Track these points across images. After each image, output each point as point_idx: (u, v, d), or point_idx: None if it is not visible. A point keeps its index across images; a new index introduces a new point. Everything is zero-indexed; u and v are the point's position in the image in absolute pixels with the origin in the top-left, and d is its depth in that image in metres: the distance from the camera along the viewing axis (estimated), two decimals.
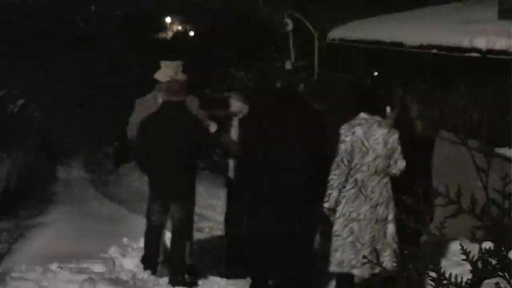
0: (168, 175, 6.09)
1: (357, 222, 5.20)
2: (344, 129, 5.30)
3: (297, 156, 5.43)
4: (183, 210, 6.17)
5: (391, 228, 5.24)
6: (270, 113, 5.64)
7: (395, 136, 5.25)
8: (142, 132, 6.18)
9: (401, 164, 5.29)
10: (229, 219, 6.82)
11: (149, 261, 6.40)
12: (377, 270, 5.03)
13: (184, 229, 6.24)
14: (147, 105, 6.43)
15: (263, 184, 5.50)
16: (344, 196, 5.26)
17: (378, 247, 5.16)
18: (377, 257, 2.95)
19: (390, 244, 5.21)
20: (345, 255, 5.22)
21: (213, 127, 6.43)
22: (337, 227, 5.27)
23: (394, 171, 5.29)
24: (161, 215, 6.31)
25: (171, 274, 6.20)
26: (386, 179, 5.26)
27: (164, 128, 6.05)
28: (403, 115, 5.77)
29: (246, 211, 5.91)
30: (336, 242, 5.26)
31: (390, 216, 5.22)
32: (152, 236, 6.39)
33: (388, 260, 5.06)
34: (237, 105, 6.50)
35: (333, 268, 5.28)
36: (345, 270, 5.25)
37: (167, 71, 6.47)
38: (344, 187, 5.27)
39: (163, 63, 6.55)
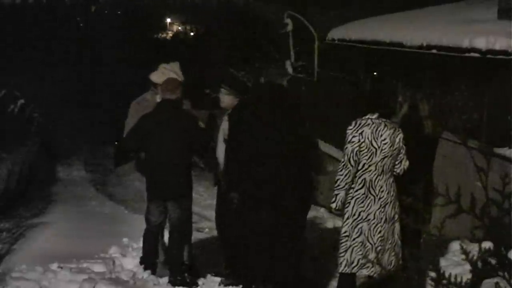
0: (164, 174, 6.09)
1: (366, 222, 5.20)
2: (351, 130, 5.28)
3: (286, 151, 5.43)
4: (179, 209, 6.17)
5: (397, 227, 5.27)
6: (257, 110, 5.61)
7: (400, 136, 5.29)
8: (137, 132, 6.19)
9: (405, 163, 5.34)
10: (219, 220, 6.79)
11: (148, 262, 6.39)
12: (388, 268, 5.06)
13: (181, 228, 6.23)
14: (145, 105, 6.42)
15: (252, 184, 5.47)
16: (353, 197, 5.26)
17: (387, 246, 5.19)
18: (377, 257, 2.94)
19: (398, 243, 5.24)
20: (354, 255, 5.22)
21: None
22: (346, 228, 5.27)
23: (398, 171, 5.33)
24: (159, 215, 6.31)
25: (171, 274, 6.20)
26: (392, 178, 5.30)
27: (160, 127, 6.05)
28: (412, 115, 5.79)
29: (235, 212, 5.87)
30: (345, 243, 5.27)
31: (397, 215, 5.25)
32: (151, 236, 6.39)
33: (396, 258, 5.11)
34: (226, 99, 6.41)
35: (343, 269, 5.27)
36: (354, 270, 5.26)
37: (165, 73, 6.49)
38: (351, 187, 5.28)
39: (161, 66, 6.59)
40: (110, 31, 24.37)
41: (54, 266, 6.50)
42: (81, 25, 26.15)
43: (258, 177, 5.47)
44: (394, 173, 5.33)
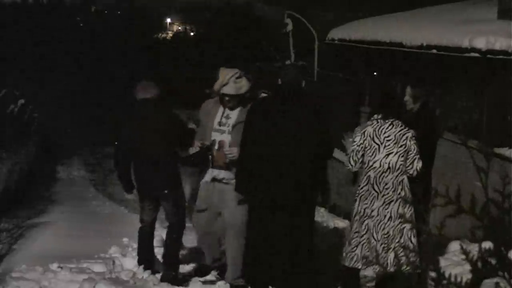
0: (149, 172, 6.11)
1: (370, 219, 5.26)
2: (356, 130, 5.47)
3: (298, 154, 5.30)
4: (171, 205, 6.16)
5: (408, 227, 5.22)
6: (271, 111, 5.45)
7: (408, 134, 5.26)
8: (124, 133, 6.27)
9: (418, 164, 5.27)
10: None
11: (144, 259, 6.37)
12: (392, 269, 5.05)
13: (176, 224, 6.22)
14: (207, 109, 6.24)
15: (261, 186, 5.37)
16: (359, 194, 5.35)
17: (393, 245, 5.19)
18: (376, 255, 2.94)
19: (407, 244, 5.19)
20: (364, 252, 5.29)
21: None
22: (355, 224, 5.36)
23: (411, 172, 5.27)
24: (152, 213, 6.31)
25: (165, 269, 6.17)
26: (402, 177, 5.26)
27: (139, 126, 6.10)
28: (411, 115, 5.78)
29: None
30: (355, 239, 5.34)
31: (407, 215, 5.17)
32: (145, 234, 6.37)
33: (403, 260, 5.06)
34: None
35: (353, 263, 5.31)
36: (363, 267, 5.32)
37: (220, 79, 6.14)
38: (358, 185, 5.39)
39: (220, 69, 6.19)
40: (110, 31, 24.39)
41: (54, 266, 6.50)
42: (81, 25, 26.17)
43: (266, 177, 5.34)
44: (407, 174, 5.29)
